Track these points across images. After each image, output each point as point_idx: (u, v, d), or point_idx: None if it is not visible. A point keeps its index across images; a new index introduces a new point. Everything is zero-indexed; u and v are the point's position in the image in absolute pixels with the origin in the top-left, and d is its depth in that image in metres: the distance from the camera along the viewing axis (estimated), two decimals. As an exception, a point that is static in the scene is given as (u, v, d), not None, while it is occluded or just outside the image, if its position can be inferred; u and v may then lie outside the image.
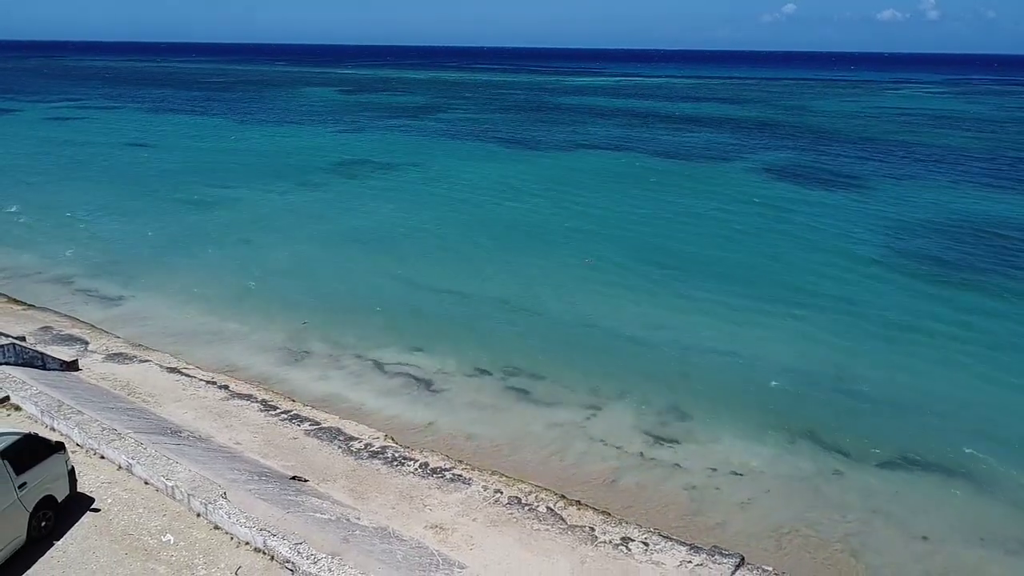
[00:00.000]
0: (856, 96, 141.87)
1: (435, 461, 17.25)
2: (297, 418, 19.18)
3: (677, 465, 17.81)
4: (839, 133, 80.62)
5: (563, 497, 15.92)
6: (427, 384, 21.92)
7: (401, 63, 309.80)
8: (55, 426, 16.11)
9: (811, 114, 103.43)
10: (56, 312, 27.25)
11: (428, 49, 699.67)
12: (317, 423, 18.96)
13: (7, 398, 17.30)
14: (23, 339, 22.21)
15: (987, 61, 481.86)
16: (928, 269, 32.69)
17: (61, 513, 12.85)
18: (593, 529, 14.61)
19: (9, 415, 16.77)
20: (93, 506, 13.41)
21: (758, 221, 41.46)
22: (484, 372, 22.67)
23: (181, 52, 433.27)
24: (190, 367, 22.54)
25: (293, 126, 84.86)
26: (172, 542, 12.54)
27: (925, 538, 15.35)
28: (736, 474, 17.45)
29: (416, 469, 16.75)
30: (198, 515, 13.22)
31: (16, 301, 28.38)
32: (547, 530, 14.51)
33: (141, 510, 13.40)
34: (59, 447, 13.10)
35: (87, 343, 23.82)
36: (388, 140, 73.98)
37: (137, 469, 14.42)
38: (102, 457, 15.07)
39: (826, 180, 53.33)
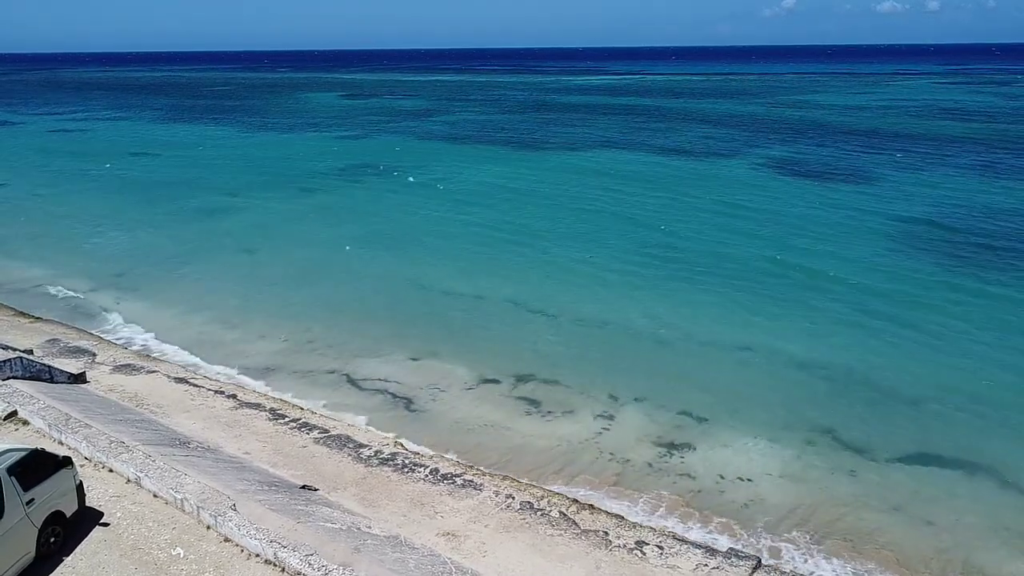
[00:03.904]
0: (858, 89, 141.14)
1: (445, 467, 17.10)
2: (306, 426, 19.06)
3: (693, 464, 17.60)
4: (842, 126, 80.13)
5: (575, 501, 15.76)
6: (436, 388, 21.76)
7: (402, 66, 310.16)
8: (63, 440, 16.02)
9: (814, 108, 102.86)
10: (63, 324, 27.20)
11: (429, 51, 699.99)
12: (326, 431, 18.83)
13: (15, 412, 17.22)
14: (30, 352, 22.16)
15: (988, 50, 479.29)
16: (941, 260, 32.39)
17: (70, 528, 12.74)
18: (607, 533, 14.43)
19: (17, 429, 16.68)
20: (102, 520, 13.29)
21: (764, 216, 41.14)
22: (491, 374, 22.49)
23: (181, 61, 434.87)
24: (198, 377, 22.45)
25: (296, 132, 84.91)
26: (182, 555, 12.42)
27: (946, 534, 15.12)
28: (754, 473, 17.23)
29: (426, 475, 16.60)
30: (208, 528, 13.09)
31: (23, 314, 28.34)
32: (560, 535, 14.34)
33: (150, 523, 13.28)
34: (67, 462, 12.99)
35: (94, 355, 23.74)
36: (390, 143, 73.89)
37: (146, 482, 14.30)
38: (111, 470, 14.95)
39: (831, 173, 53.00)
